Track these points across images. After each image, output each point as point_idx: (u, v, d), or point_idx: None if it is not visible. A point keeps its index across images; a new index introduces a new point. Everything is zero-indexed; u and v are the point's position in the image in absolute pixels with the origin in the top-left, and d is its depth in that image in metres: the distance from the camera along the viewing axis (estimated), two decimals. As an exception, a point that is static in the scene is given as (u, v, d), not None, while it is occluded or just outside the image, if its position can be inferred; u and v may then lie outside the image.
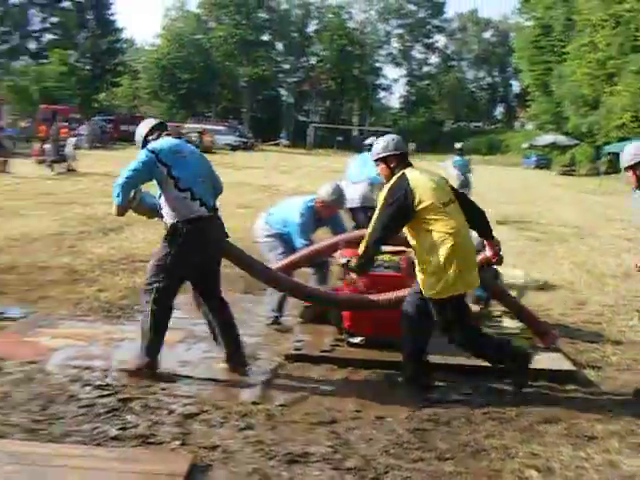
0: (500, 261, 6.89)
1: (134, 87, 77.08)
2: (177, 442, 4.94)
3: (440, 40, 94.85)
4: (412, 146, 45.44)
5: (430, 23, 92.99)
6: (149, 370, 6.20)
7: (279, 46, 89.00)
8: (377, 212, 6.21)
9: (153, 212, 6.61)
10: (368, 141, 13.16)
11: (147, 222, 13.94)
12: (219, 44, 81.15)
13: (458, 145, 19.80)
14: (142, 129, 6.57)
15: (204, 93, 76.23)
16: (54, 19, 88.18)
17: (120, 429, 5.10)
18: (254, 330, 7.90)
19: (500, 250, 6.77)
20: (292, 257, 7.73)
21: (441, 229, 6.04)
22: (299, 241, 7.94)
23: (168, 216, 6.29)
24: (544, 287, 10.86)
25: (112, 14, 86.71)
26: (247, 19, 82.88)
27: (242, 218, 15.78)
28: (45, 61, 75.84)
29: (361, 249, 6.28)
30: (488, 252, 6.79)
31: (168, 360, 6.61)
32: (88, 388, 5.85)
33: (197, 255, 6.21)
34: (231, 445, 4.95)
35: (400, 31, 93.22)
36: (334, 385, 6.41)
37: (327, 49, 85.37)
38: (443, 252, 6.00)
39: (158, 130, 6.51)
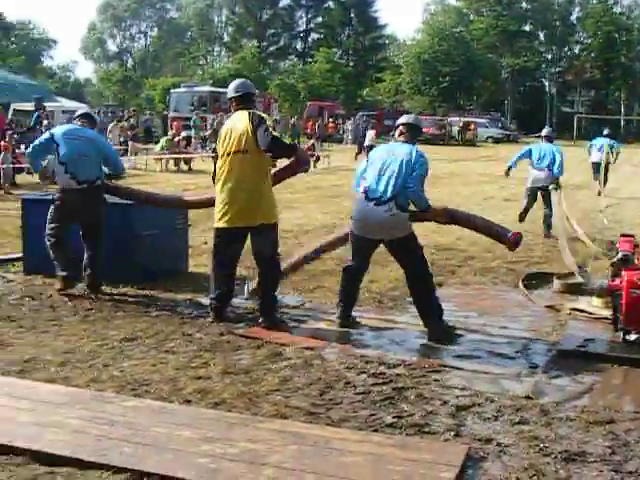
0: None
1: (396, 82, 77.88)
2: (451, 433, 4.97)
3: None
4: None
5: None
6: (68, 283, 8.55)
7: (541, 36, 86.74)
8: None
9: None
10: (605, 132, 21.17)
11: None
12: (480, 36, 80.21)
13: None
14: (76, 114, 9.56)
15: (465, 86, 75.64)
16: (319, 19, 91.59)
17: (395, 417, 5.20)
18: (524, 324, 7.86)
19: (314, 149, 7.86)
20: None
21: (222, 172, 7.36)
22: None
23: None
24: None
25: (375, 11, 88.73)
26: (508, 9, 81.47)
27: (508, 211, 15.71)
28: (310, 60, 78.79)
29: None
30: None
31: (440, 352, 6.73)
32: (363, 376, 6.03)
33: (69, 212, 8.56)
34: (505, 439, 4.89)
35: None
36: (610, 383, 6.21)
37: (591, 37, 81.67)
38: (217, 192, 7.41)
39: (77, 117, 9.21)
